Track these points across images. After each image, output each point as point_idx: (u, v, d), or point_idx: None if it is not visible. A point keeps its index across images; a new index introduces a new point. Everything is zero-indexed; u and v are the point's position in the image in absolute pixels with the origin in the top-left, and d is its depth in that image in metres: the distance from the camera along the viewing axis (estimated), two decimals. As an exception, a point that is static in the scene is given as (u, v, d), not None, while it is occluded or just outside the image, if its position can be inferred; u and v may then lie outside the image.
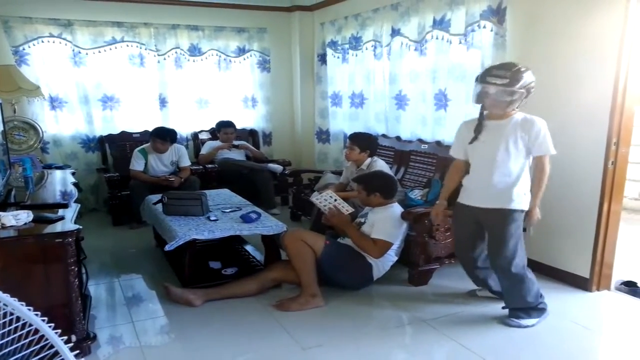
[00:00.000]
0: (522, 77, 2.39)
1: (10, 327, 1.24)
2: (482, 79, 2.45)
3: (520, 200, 2.53)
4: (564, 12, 3.05)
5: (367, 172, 3.53)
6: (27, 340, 1.25)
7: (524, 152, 2.49)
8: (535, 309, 2.68)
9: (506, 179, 2.51)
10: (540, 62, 3.21)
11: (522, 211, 2.55)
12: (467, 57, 3.68)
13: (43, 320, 1.27)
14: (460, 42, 3.73)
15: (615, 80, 2.83)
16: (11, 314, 1.26)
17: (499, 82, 2.39)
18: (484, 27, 3.50)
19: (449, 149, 3.78)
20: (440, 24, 3.88)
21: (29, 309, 1.27)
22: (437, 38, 3.94)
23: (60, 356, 1.28)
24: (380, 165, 3.80)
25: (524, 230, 2.64)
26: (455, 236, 2.94)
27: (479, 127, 2.56)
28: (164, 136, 4.57)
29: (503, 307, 2.76)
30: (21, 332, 1.25)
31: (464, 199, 2.70)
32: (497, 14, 3.39)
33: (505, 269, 2.60)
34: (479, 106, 3.63)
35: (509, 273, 2.60)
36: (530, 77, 2.42)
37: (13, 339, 1.24)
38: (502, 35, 3.38)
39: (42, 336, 1.28)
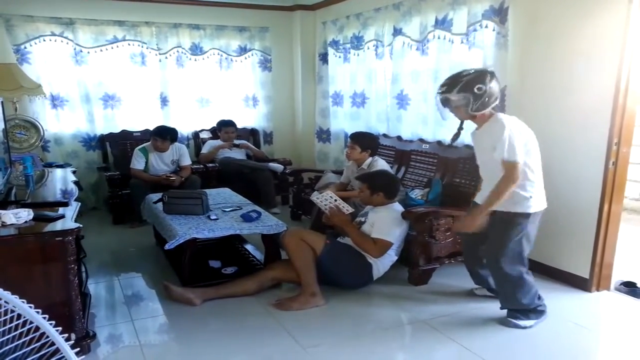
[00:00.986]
0: (461, 81, 2.45)
1: (11, 325, 1.23)
2: (436, 95, 2.59)
3: (523, 203, 2.49)
4: (566, 12, 3.05)
5: (371, 171, 3.53)
6: (28, 338, 1.25)
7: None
8: (534, 311, 2.68)
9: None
10: (542, 61, 3.21)
11: (525, 214, 2.50)
12: (469, 56, 3.67)
13: (44, 318, 1.27)
14: (462, 42, 3.73)
15: (616, 80, 2.83)
16: (12, 311, 1.26)
17: (439, 91, 2.54)
18: (486, 26, 3.49)
19: (450, 149, 3.84)
20: (442, 23, 3.87)
21: (30, 307, 1.27)
22: (439, 38, 3.93)
23: (61, 354, 1.28)
24: (381, 164, 3.80)
25: None
26: (463, 233, 2.93)
27: (455, 137, 2.73)
28: (164, 135, 4.57)
29: (501, 308, 2.76)
30: (22, 330, 1.25)
31: (477, 198, 2.72)
32: (499, 14, 3.39)
33: (499, 271, 2.60)
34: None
35: (503, 275, 2.60)
36: (475, 80, 2.43)
37: (14, 336, 1.24)
38: (504, 35, 3.38)
39: (43, 334, 1.28)
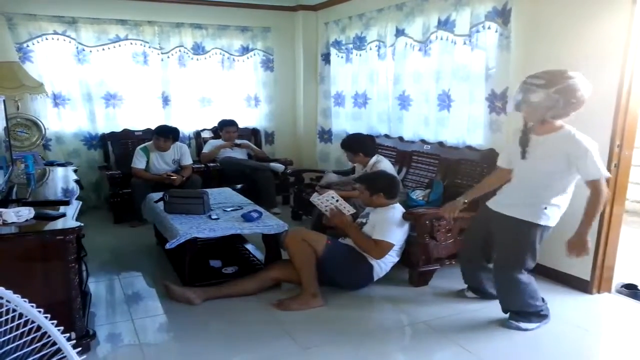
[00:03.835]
0: (560, 82, 2.24)
1: (12, 324, 1.23)
2: (523, 82, 2.36)
3: (540, 214, 2.43)
4: (569, 14, 3.04)
5: (370, 172, 3.52)
6: (29, 338, 1.25)
7: (567, 170, 2.36)
8: (536, 314, 2.67)
9: (540, 193, 2.43)
10: (545, 63, 3.17)
11: (537, 225, 2.46)
12: (472, 58, 3.67)
13: (46, 318, 1.26)
14: (464, 43, 3.72)
15: (619, 82, 2.83)
16: (14, 310, 1.25)
17: (536, 82, 2.28)
18: (489, 28, 3.48)
19: (451, 150, 3.83)
20: (445, 24, 3.87)
21: (32, 306, 1.26)
22: (441, 39, 3.93)
23: (63, 354, 1.28)
24: (384, 165, 3.79)
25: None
26: (468, 232, 2.92)
27: (523, 140, 2.45)
28: (166, 134, 4.58)
29: (504, 311, 2.74)
30: (23, 329, 1.24)
31: (491, 202, 2.68)
32: (502, 15, 3.38)
33: (507, 276, 2.59)
34: (479, 106, 3.65)
35: (513, 280, 2.58)
36: (574, 85, 2.23)
37: (15, 335, 1.24)
38: (506, 37, 3.37)
39: (44, 334, 1.27)
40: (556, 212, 2.47)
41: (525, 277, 2.60)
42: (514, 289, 2.61)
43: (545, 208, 2.44)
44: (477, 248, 2.82)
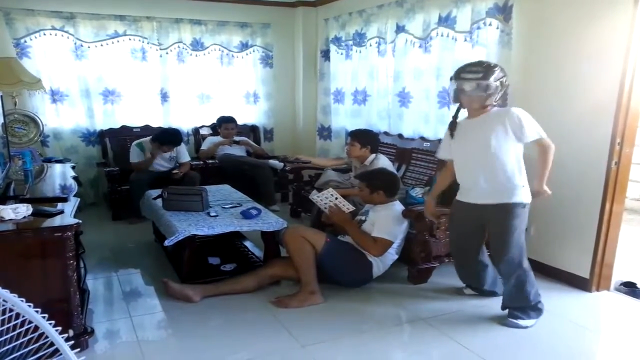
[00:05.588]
0: (494, 71, 2.47)
1: (9, 325, 1.22)
2: (457, 76, 2.52)
3: (521, 192, 2.53)
4: (571, 11, 3.03)
5: (370, 170, 3.51)
6: (27, 339, 1.23)
7: (510, 143, 2.48)
8: (534, 309, 2.67)
9: (500, 173, 2.51)
10: (546, 60, 3.19)
11: (524, 205, 2.54)
12: (472, 54, 3.64)
13: (43, 317, 1.25)
14: (465, 40, 3.70)
15: (621, 80, 2.82)
16: (11, 310, 1.24)
17: (473, 77, 2.47)
18: (490, 24, 3.47)
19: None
20: (446, 21, 3.85)
21: (29, 306, 1.25)
22: (442, 35, 3.91)
23: (61, 354, 1.27)
24: (383, 162, 3.78)
25: (526, 230, 2.63)
26: (453, 233, 2.89)
27: (453, 124, 2.66)
28: (179, 142, 4.59)
29: (503, 308, 2.75)
30: (20, 330, 1.23)
31: (462, 196, 2.70)
32: (503, 12, 3.36)
33: (514, 265, 2.59)
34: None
35: (518, 269, 2.59)
36: (501, 72, 2.50)
37: (12, 336, 1.22)
38: (507, 33, 3.36)
39: (42, 334, 1.26)
40: (523, 186, 2.57)
41: (528, 265, 2.65)
42: (523, 280, 2.61)
43: (523, 186, 2.55)
44: (469, 249, 2.80)
